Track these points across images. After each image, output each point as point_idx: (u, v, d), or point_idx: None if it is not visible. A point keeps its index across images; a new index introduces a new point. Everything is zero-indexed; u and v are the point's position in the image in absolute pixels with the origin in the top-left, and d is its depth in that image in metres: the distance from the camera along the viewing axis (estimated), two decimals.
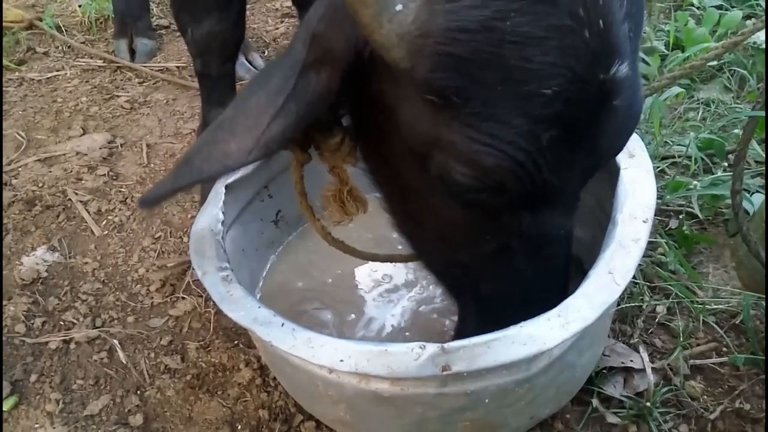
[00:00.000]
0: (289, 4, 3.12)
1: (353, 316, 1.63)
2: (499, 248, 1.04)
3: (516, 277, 1.08)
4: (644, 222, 1.21)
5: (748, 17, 2.57)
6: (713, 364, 1.52)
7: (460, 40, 0.81)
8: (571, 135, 0.87)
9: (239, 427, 1.48)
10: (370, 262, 1.71)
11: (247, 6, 2.83)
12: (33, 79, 2.67)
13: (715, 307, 1.62)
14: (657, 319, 1.60)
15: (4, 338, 1.69)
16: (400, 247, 1.57)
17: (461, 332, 1.27)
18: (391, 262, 1.49)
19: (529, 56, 0.80)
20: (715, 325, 1.58)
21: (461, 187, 0.93)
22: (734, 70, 2.36)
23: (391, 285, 1.68)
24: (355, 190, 1.26)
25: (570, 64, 0.81)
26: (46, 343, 1.68)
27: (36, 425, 1.51)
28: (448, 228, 1.07)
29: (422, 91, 0.87)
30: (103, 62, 2.75)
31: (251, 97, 1.02)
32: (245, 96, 1.03)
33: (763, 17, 2.37)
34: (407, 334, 1.57)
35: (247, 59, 2.62)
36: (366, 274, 1.72)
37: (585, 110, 0.85)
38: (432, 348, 1.04)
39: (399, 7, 0.82)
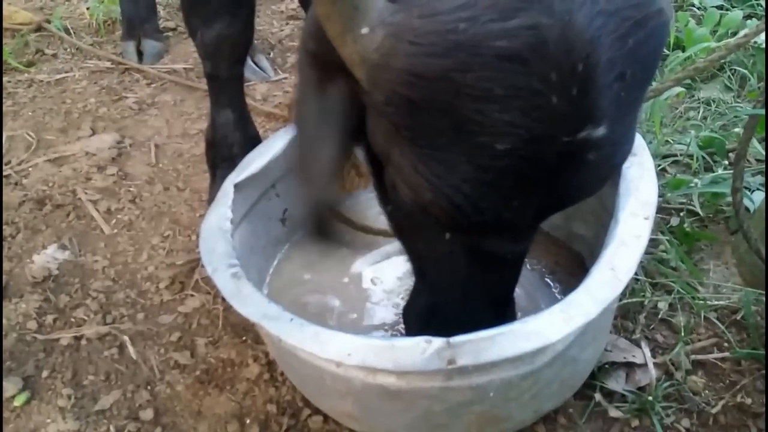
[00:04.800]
0: (295, 6, 3.14)
1: (359, 311, 1.65)
2: (447, 250, 1.04)
3: (458, 284, 1.09)
4: (646, 219, 1.23)
5: (748, 17, 2.59)
6: (714, 359, 1.54)
7: (416, 85, 0.78)
8: (525, 184, 0.84)
9: (248, 422, 1.50)
10: (377, 262, 1.74)
11: None
12: (42, 81, 2.70)
13: (717, 303, 1.64)
14: (659, 315, 1.62)
15: (15, 335, 1.72)
16: None
17: (405, 312, 1.31)
18: (384, 236, 1.50)
19: (485, 111, 0.77)
20: (716, 321, 1.60)
21: (406, 204, 0.94)
22: (735, 69, 2.38)
23: (397, 282, 1.71)
24: (359, 166, 1.26)
25: (529, 126, 0.77)
26: (58, 339, 1.70)
27: (48, 420, 1.54)
28: (407, 220, 1.09)
29: (378, 114, 0.87)
30: (111, 64, 2.78)
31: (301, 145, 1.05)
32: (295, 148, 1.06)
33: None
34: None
35: (253, 61, 2.65)
36: (372, 270, 1.74)
37: (542, 167, 0.82)
38: (438, 342, 1.07)
39: (365, 31, 0.79)
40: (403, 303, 1.64)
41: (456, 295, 1.11)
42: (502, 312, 1.16)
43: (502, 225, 0.92)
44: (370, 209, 1.59)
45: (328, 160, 0.99)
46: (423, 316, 1.22)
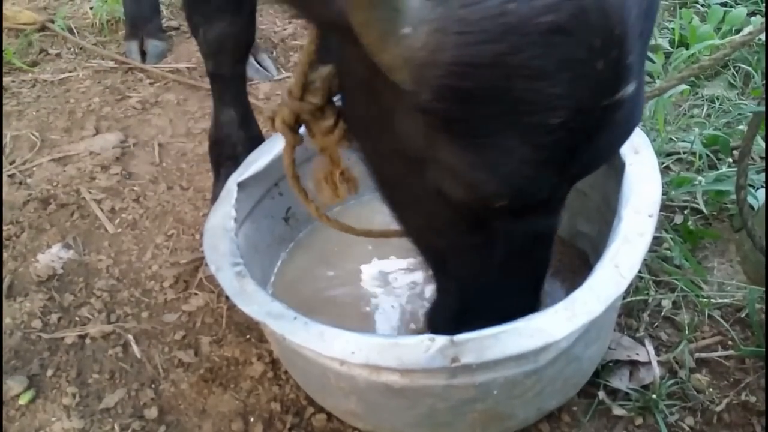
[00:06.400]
0: None
1: (361, 310, 1.65)
2: (481, 242, 1.05)
3: (493, 271, 1.09)
4: (649, 217, 1.23)
5: (752, 14, 2.58)
6: (719, 357, 1.54)
7: (470, 74, 0.78)
8: (568, 155, 0.87)
9: (252, 420, 1.51)
10: (378, 259, 1.74)
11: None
12: (46, 80, 2.70)
13: (720, 301, 1.64)
14: (662, 313, 1.62)
15: (20, 334, 1.73)
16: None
17: (432, 318, 1.29)
18: (386, 237, 1.51)
19: (539, 89, 0.79)
20: (720, 319, 1.60)
21: (455, 201, 0.94)
22: (739, 66, 2.37)
23: (398, 279, 1.71)
24: (346, 171, 1.25)
25: (577, 95, 0.80)
26: (62, 338, 1.71)
27: (53, 418, 1.55)
28: (435, 221, 1.08)
29: (423, 114, 0.86)
30: (115, 63, 2.78)
31: None
32: None
33: None
34: (418, 326, 1.59)
35: (256, 60, 2.65)
36: (373, 268, 1.74)
37: (585, 134, 0.85)
38: (441, 340, 1.07)
39: (407, 31, 0.78)
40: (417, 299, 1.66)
41: (495, 286, 1.11)
42: (538, 297, 1.16)
43: (545, 199, 0.93)
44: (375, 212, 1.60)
45: None
46: (455, 317, 1.19)
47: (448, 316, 1.22)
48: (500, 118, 0.81)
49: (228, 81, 1.81)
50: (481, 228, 1.02)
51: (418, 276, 1.70)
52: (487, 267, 1.08)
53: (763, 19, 2.48)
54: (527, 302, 1.14)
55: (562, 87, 0.78)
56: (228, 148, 1.88)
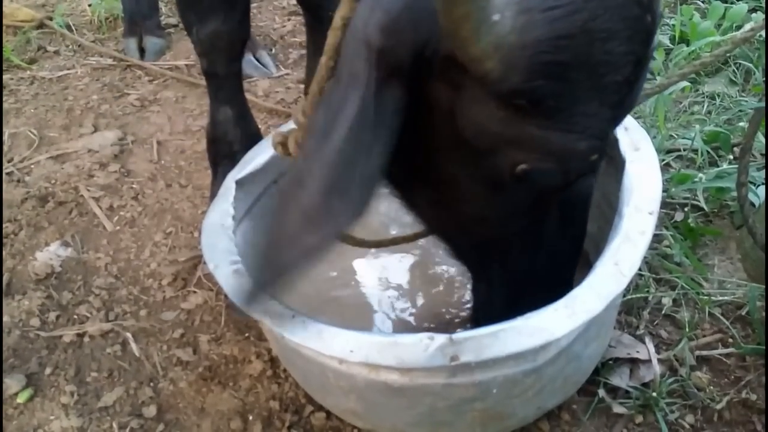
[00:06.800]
0: (296, 2, 3.14)
1: (361, 308, 1.65)
2: (537, 219, 1.09)
3: (547, 246, 1.12)
4: (650, 214, 1.22)
5: (753, 10, 2.58)
6: (719, 354, 1.53)
7: (563, 47, 0.82)
8: (620, 108, 0.94)
9: (251, 418, 1.50)
10: (378, 258, 1.74)
11: (254, 4, 2.86)
12: (44, 78, 2.70)
13: (721, 298, 1.64)
14: (663, 311, 1.62)
15: (19, 332, 1.72)
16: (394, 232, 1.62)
17: (480, 314, 1.30)
18: (395, 244, 1.50)
19: (611, 50, 0.85)
20: (720, 317, 1.59)
21: (539, 176, 0.96)
22: (739, 63, 2.36)
23: (398, 278, 1.70)
24: None
25: (636, 50, 0.87)
26: (61, 336, 1.71)
27: (51, 417, 1.54)
28: (490, 210, 1.09)
29: (509, 98, 0.88)
30: (113, 61, 2.78)
31: (329, 144, 0.94)
32: (319, 146, 0.95)
33: None
34: (420, 324, 1.59)
35: (254, 57, 2.64)
36: (373, 267, 1.74)
37: (634, 85, 0.91)
38: (441, 339, 1.06)
39: (496, 18, 0.81)
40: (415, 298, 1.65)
41: (546, 263, 1.14)
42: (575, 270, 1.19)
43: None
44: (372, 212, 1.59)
45: (370, 175, 0.95)
46: (507, 306, 1.18)
47: (500, 306, 1.21)
48: (584, 84, 0.87)
49: (223, 79, 1.80)
50: (539, 204, 1.06)
51: (419, 274, 1.69)
52: (542, 244, 1.11)
53: (764, 16, 2.47)
54: (569, 276, 1.18)
55: (627, 44, 0.85)
56: (225, 146, 1.87)
